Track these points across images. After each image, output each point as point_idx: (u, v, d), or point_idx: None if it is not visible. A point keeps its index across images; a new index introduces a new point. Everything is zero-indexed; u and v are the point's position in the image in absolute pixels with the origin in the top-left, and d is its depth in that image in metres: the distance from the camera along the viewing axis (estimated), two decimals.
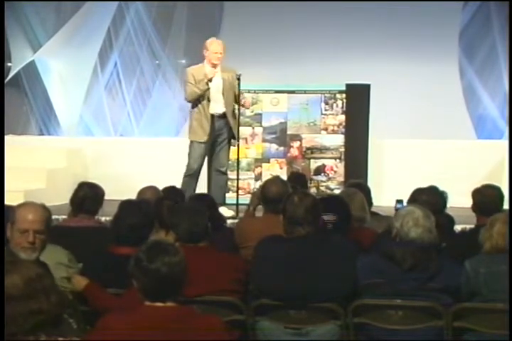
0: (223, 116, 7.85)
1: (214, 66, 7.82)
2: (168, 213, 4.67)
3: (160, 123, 12.02)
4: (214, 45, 7.91)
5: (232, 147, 8.79)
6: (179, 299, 3.03)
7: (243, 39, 11.84)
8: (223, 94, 7.82)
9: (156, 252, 2.99)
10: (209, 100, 7.78)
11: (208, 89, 7.75)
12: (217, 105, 7.84)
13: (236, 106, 7.99)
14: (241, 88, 7.99)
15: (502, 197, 5.10)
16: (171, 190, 6.15)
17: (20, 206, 3.75)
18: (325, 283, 3.96)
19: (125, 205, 4.49)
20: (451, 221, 5.48)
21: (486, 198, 4.96)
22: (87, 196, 5.19)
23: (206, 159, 8.09)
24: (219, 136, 7.91)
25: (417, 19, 11.58)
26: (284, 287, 3.98)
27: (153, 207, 4.83)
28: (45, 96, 12.42)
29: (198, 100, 7.81)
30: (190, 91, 7.86)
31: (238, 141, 8.01)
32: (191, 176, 7.83)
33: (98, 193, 5.28)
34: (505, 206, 5.23)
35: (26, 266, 2.42)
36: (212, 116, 7.82)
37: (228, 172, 9.51)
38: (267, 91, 10.00)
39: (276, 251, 4.10)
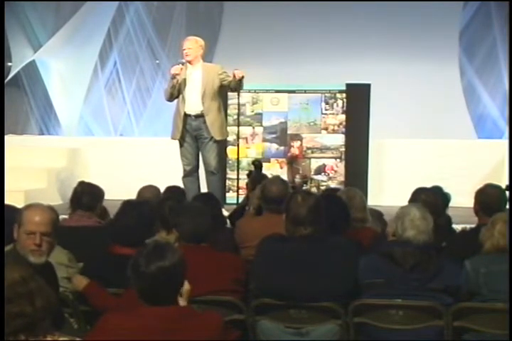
0: (200, 115, 7.58)
1: (190, 63, 7.63)
2: (169, 213, 4.67)
3: (160, 122, 12.03)
4: (183, 43, 7.73)
5: (232, 146, 8.77)
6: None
7: (243, 39, 11.87)
8: (203, 92, 7.55)
9: (153, 256, 2.96)
10: (184, 99, 7.60)
11: (174, 86, 7.53)
12: (192, 104, 7.58)
13: (220, 101, 7.73)
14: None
15: (505, 197, 5.11)
16: (172, 189, 6.16)
17: (27, 207, 3.71)
18: (326, 283, 3.96)
19: (123, 206, 4.49)
20: (448, 220, 5.48)
21: (489, 198, 4.95)
22: (85, 191, 5.22)
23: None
24: (199, 136, 7.65)
25: (417, 19, 11.60)
26: (284, 286, 3.98)
27: (156, 206, 4.82)
28: (45, 95, 12.43)
29: (177, 99, 7.67)
30: (164, 90, 7.87)
31: (222, 137, 7.69)
32: (186, 177, 7.74)
33: (95, 190, 5.30)
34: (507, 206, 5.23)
35: (11, 268, 2.41)
36: (187, 115, 7.58)
37: (228, 171, 9.50)
38: (267, 91, 10.02)
39: (278, 250, 4.10)
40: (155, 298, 2.95)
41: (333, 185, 9.83)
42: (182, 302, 3.10)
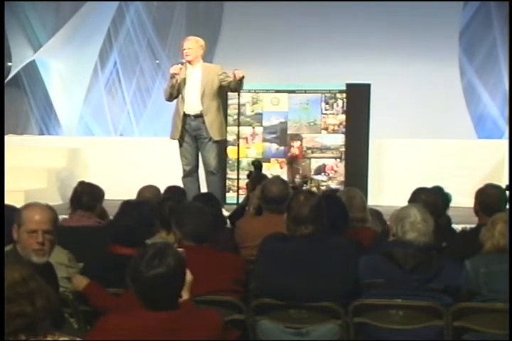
0: (199, 115, 7.57)
1: (190, 63, 7.62)
2: (169, 213, 4.67)
3: (160, 122, 12.03)
4: (184, 43, 7.72)
5: (232, 146, 8.75)
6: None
7: (243, 39, 11.87)
8: (202, 92, 7.54)
9: (152, 263, 2.92)
10: (183, 99, 7.59)
11: (173, 86, 7.52)
12: (192, 104, 7.57)
13: (219, 101, 7.71)
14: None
15: (505, 197, 5.11)
16: (172, 189, 6.15)
17: (26, 207, 3.71)
18: (326, 283, 3.96)
19: (123, 206, 4.49)
20: (448, 221, 5.48)
21: (490, 198, 4.95)
22: (85, 191, 5.22)
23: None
24: (198, 136, 7.63)
25: (418, 19, 11.60)
26: (285, 286, 3.98)
27: (156, 206, 4.82)
28: (45, 95, 12.44)
29: (176, 99, 7.67)
30: (163, 90, 7.90)
31: (220, 137, 7.65)
32: (186, 177, 7.72)
33: (95, 190, 5.30)
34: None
35: (11, 268, 2.41)
36: (187, 115, 7.57)
37: (228, 171, 9.49)
38: (267, 91, 10.02)
39: (279, 249, 4.10)
40: (155, 304, 2.94)
41: (333, 185, 9.83)
42: (184, 294, 3.09)
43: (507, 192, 5.32)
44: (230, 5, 12.37)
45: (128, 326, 2.92)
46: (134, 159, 10.34)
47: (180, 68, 7.57)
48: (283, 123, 9.98)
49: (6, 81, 11.53)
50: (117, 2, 12.48)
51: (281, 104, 9.98)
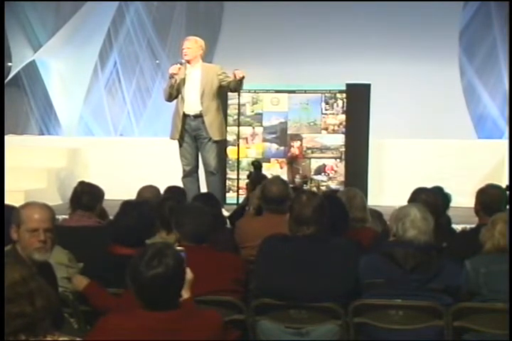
0: (199, 115, 7.56)
1: (189, 63, 7.61)
2: (169, 213, 4.67)
3: (160, 122, 12.03)
4: (183, 43, 7.72)
5: (232, 147, 8.74)
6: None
7: (243, 39, 11.88)
8: (202, 92, 7.53)
9: (151, 263, 2.91)
10: (183, 99, 7.58)
11: (172, 86, 7.51)
12: (191, 104, 7.56)
13: (218, 101, 7.69)
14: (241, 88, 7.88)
15: (506, 197, 5.11)
16: (173, 189, 6.15)
17: (24, 206, 3.71)
18: (326, 283, 3.96)
19: (123, 206, 4.49)
20: (448, 221, 5.48)
21: (490, 198, 4.95)
22: (84, 191, 5.22)
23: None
24: (198, 136, 7.62)
25: (417, 19, 11.61)
26: (285, 286, 3.98)
27: (155, 207, 4.82)
28: (45, 95, 12.44)
29: (176, 99, 7.66)
30: (163, 90, 7.90)
31: (220, 137, 7.65)
32: (186, 177, 7.71)
33: (95, 190, 5.31)
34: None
35: (11, 268, 2.41)
36: (186, 115, 7.57)
37: (228, 172, 9.48)
38: (267, 91, 10.02)
39: (279, 250, 4.11)
40: (155, 304, 2.94)
41: (333, 185, 9.83)
42: (185, 293, 3.09)
43: (507, 192, 5.32)
44: (230, 5, 12.38)
45: (128, 326, 2.92)
46: (134, 159, 10.34)
47: (179, 68, 7.57)
48: (283, 123, 9.98)
49: (6, 81, 11.53)
50: (117, 2, 12.49)
51: (281, 104, 9.98)
